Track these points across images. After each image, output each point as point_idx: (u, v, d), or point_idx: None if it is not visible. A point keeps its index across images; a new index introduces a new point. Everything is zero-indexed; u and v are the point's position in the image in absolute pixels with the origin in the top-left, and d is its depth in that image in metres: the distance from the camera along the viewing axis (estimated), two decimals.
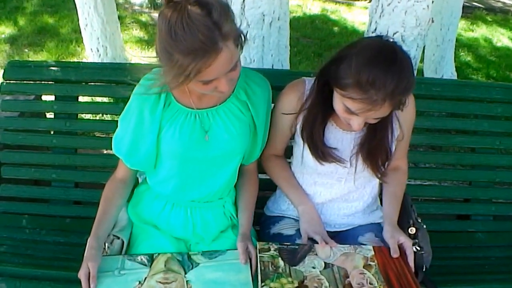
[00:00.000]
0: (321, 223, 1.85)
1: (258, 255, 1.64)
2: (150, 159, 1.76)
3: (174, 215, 1.85)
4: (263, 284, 1.52)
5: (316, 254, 1.67)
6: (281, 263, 1.61)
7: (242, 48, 1.53)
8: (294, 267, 1.60)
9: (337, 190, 1.91)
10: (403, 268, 1.64)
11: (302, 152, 1.85)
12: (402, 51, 1.56)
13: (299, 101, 1.81)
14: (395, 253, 1.70)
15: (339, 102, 1.62)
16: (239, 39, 1.49)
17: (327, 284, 1.55)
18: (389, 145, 1.81)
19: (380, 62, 1.49)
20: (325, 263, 1.63)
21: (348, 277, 1.59)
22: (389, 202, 1.90)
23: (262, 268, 1.58)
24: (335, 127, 1.82)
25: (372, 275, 1.60)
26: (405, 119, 1.83)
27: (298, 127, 1.83)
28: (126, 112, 1.74)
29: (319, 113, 1.76)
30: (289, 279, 1.55)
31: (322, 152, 1.79)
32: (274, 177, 1.99)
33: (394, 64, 1.49)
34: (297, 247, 1.71)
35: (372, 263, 1.65)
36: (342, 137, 1.82)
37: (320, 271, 1.60)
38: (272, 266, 1.59)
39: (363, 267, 1.64)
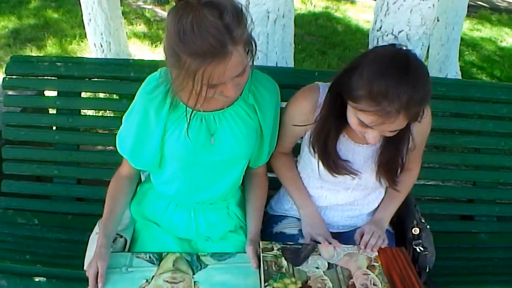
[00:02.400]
0: (324, 225, 1.84)
1: (261, 254, 1.63)
2: (155, 160, 1.73)
3: (178, 215, 1.84)
4: (266, 284, 1.51)
5: (320, 254, 1.66)
6: (284, 263, 1.60)
7: (252, 56, 1.48)
8: (297, 267, 1.59)
9: (343, 196, 1.89)
10: (406, 269, 1.63)
11: (310, 159, 1.81)
12: (417, 59, 1.49)
13: (312, 110, 1.75)
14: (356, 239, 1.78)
15: (352, 115, 1.56)
16: (249, 45, 1.45)
17: (330, 284, 1.54)
18: (403, 157, 1.77)
19: (393, 72, 1.43)
20: (328, 263, 1.63)
21: (351, 277, 1.58)
22: (386, 197, 1.91)
23: (265, 268, 1.57)
24: (347, 138, 1.78)
25: (376, 276, 1.59)
26: (420, 131, 1.77)
27: (308, 136, 1.79)
28: (130, 111, 1.71)
29: (332, 127, 1.70)
30: (293, 279, 1.54)
31: (335, 165, 1.75)
32: (280, 176, 1.97)
33: (407, 74, 1.42)
34: (300, 246, 1.70)
35: (375, 264, 1.64)
36: (354, 150, 1.78)
37: (323, 272, 1.59)
38: (275, 266, 1.58)
39: (367, 267, 1.63)
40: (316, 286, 1.53)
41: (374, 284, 1.56)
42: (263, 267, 1.57)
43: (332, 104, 1.67)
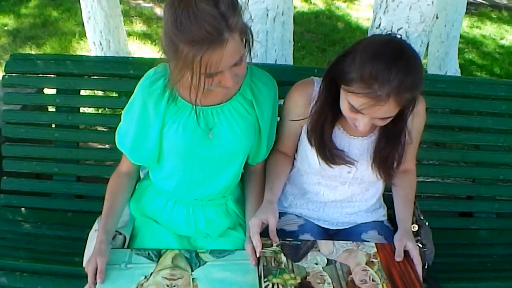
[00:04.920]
0: (274, 214, 1.69)
1: (261, 250, 1.63)
2: (154, 154, 1.74)
3: (176, 212, 1.84)
4: (265, 279, 1.51)
5: (319, 250, 1.66)
6: (284, 258, 1.60)
7: (250, 46, 1.51)
8: (296, 263, 1.59)
9: (340, 192, 1.89)
10: (405, 266, 1.63)
11: (307, 153, 1.81)
12: (411, 48, 1.51)
13: (306, 103, 1.77)
14: (398, 257, 1.64)
15: (344, 99, 1.58)
16: (245, 34, 1.47)
17: (330, 280, 1.54)
18: (401, 151, 1.77)
19: (385, 56, 1.45)
20: (327, 259, 1.63)
21: (351, 273, 1.58)
22: (402, 206, 1.83)
23: (265, 263, 1.57)
24: (342, 131, 1.79)
25: (375, 272, 1.59)
26: (415, 125, 1.78)
27: (305, 128, 1.80)
28: (129, 106, 1.73)
29: (328, 115, 1.72)
30: (292, 275, 1.54)
31: (331, 154, 1.75)
32: (267, 169, 1.90)
33: (399, 60, 1.45)
34: (299, 243, 1.70)
35: (375, 260, 1.64)
36: (349, 142, 1.79)
37: (322, 267, 1.59)
38: (275, 261, 1.58)
39: (366, 264, 1.63)
40: (315, 282, 1.53)
41: (373, 280, 1.56)
42: (263, 263, 1.57)
43: (327, 91, 1.69)
